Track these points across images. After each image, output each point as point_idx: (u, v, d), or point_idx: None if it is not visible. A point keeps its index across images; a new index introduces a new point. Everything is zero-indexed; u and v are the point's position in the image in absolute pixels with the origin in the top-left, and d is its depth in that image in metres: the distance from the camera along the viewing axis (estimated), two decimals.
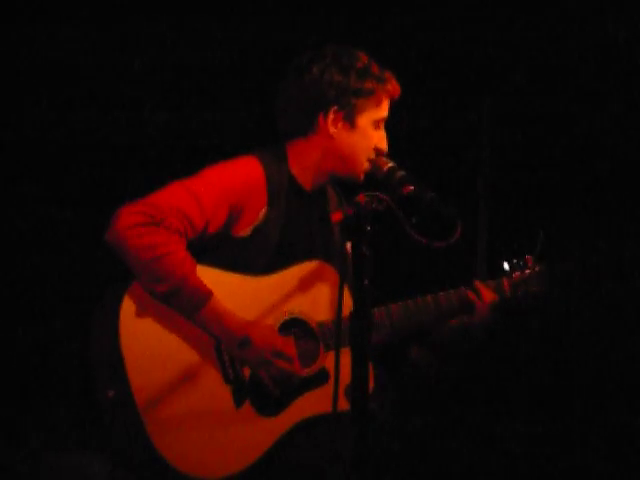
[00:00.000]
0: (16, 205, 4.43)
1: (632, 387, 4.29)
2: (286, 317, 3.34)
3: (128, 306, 3.22)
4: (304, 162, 3.47)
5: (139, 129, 4.51)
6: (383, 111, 3.47)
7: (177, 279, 3.20)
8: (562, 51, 4.56)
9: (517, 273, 3.54)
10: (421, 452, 3.66)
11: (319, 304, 3.38)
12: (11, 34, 4.31)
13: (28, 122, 4.42)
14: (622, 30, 4.47)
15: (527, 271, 3.54)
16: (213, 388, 3.25)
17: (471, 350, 4.05)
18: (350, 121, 3.43)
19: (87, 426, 3.80)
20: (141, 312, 3.23)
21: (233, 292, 3.30)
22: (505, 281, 3.53)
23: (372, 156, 3.44)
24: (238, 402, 3.27)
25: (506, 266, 3.55)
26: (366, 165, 3.44)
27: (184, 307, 3.23)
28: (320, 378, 3.34)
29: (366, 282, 2.82)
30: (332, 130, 3.43)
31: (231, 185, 3.35)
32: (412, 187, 3.28)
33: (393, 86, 3.48)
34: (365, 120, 3.44)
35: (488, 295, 3.48)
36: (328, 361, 3.33)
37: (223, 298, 3.26)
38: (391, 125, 3.50)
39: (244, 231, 3.37)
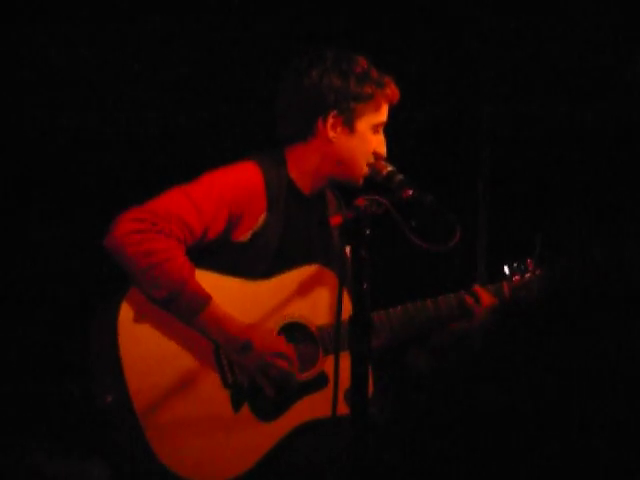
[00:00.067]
0: (16, 209, 4.43)
1: (632, 388, 4.28)
2: (285, 321, 3.34)
3: (126, 311, 3.22)
4: (303, 166, 3.47)
5: (138, 135, 4.50)
6: (382, 116, 3.48)
7: (176, 285, 3.20)
8: (562, 52, 4.56)
9: (517, 277, 3.53)
10: (420, 455, 3.65)
11: (318, 308, 3.37)
12: (11, 34, 4.31)
13: (27, 124, 4.41)
14: (622, 31, 4.47)
15: (527, 275, 3.53)
16: (212, 392, 3.24)
17: (471, 353, 4.05)
18: (349, 125, 3.43)
19: (86, 431, 3.78)
20: (139, 317, 3.23)
21: (232, 296, 3.30)
22: (505, 285, 3.52)
23: (371, 160, 3.43)
24: (237, 406, 3.26)
25: (506, 270, 3.54)
26: (365, 169, 3.43)
27: (183, 312, 3.23)
28: (319, 382, 3.34)
29: (365, 286, 2.81)
30: (331, 134, 3.43)
31: (230, 191, 3.35)
32: (411, 191, 3.28)
33: (392, 91, 3.48)
34: (364, 125, 3.44)
35: (487, 299, 3.48)
36: (327, 365, 3.33)
37: (222, 302, 3.26)
38: (390, 128, 3.50)
39: (243, 236, 3.37)
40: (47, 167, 4.43)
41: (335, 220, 3.51)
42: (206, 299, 3.23)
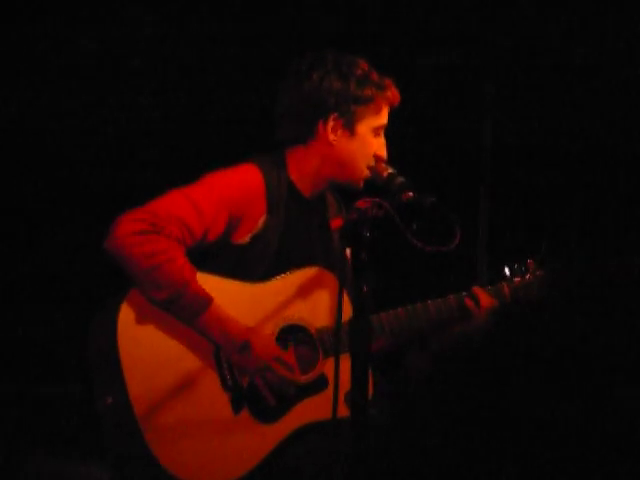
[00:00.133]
0: (16, 208, 4.43)
1: (633, 388, 4.28)
2: (285, 323, 3.34)
3: (126, 313, 3.22)
4: (303, 169, 3.47)
5: (139, 136, 4.51)
6: (383, 118, 3.47)
7: (177, 286, 3.20)
8: (563, 52, 4.56)
9: (518, 278, 3.53)
10: (420, 457, 3.64)
11: (318, 310, 3.37)
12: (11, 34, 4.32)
13: (27, 124, 4.42)
14: (624, 30, 4.47)
15: (528, 276, 3.53)
16: (211, 395, 3.24)
17: (470, 354, 4.05)
18: (350, 128, 3.43)
19: (87, 433, 3.79)
20: (139, 319, 3.22)
21: (232, 299, 3.30)
22: (506, 286, 3.51)
23: (372, 163, 3.43)
24: (236, 409, 3.26)
25: (507, 271, 3.54)
26: (366, 172, 3.43)
27: (184, 313, 3.22)
28: (319, 384, 3.33)
29: (365, 288, 2.81)
30: (331, 137, 3.43)
31: (230, 193, 3.35)
32: (412, 193, 3.27)
33: (393, 93, 3.48)
34: (365, 127, 3.44)
35: (486, 300, 3.47)
36: (327, 367, 3.33)
37: (223, 305, 3.26)
38: (391, 131, 3.50)
39: (243, 239, 3.37)
40: (47, 168, 4.44)
41: (335, 223, 3.55)
42: (207, 300, 3.23)
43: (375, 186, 3.41)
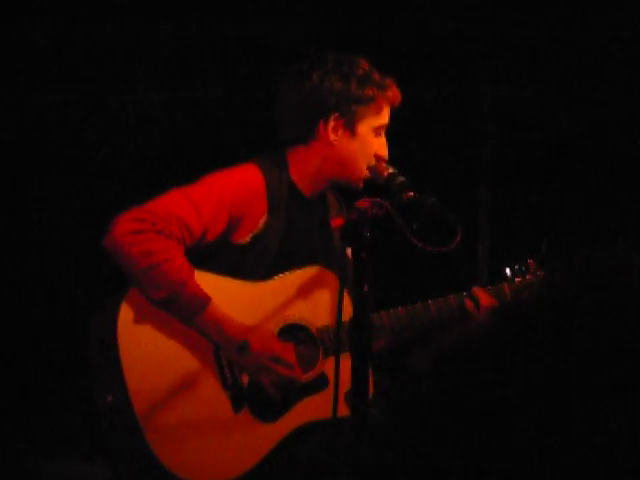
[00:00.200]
0: (17, 208, 4.43)
1: (633, 389, 4.27)
2: (285, 322, 3.34)
3: (126, 312, 3.22)
4: (304, 169, 3.47)
5: (139, 135, 4.51)
6: (384, 118, 3.47)
7: (175, 285, 3.20)
8: (565, 53, 4.56)
9: (519, 278, 3.53)
10: (421, 456, 3.64)
11: (319, 309, 3.37)
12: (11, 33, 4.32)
13: (28, 124, 4.42)
14: (625, 29, 4.47)
15: (529, 276, 3.52)
16: (211, 394, 3.24)
17: (471, 355, 4.04)
18: (350, 128, 3.43)
19: (87, 433, 3.78)
20: (139, 318, 3.22)
21: (232, 297, 3.30)
22: (506, 286, 3.51)
23: (372, 163, 3.43)
24: (236, 407, 3.26)
25: (507, 271, 3.54)
26: (365, 172, 3.43)
27: (182, 313, 3.22)
28: (319, 384, 3.33)
29: (366, 288, 2.81)
30: (332, 137, 3.42)
31: (231, 193, 3.35)
32: (412, 193, 3.26)
33: (394, 93, 3.47)
34: (365, 127, 3.44)
35: (487, 301, 3.47)
36: (327, 367, 3.33)
37: (222, 303, 3.26)
38: (392, 131, 3.50)
39: (244, 238, 3.37)
40: (47, 167, 4.44)
41: (336, 222, 3.54)
42: (205, 300, 3.23)
43: (376, 186, 3.40)
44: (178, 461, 3.17)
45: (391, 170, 3.39)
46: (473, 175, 4.69)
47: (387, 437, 3.39)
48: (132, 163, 4.50)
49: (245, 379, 3.28)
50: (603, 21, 4.49)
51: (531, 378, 4.33)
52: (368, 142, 3.44)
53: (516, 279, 3.52)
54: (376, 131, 3.46)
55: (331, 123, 3.41)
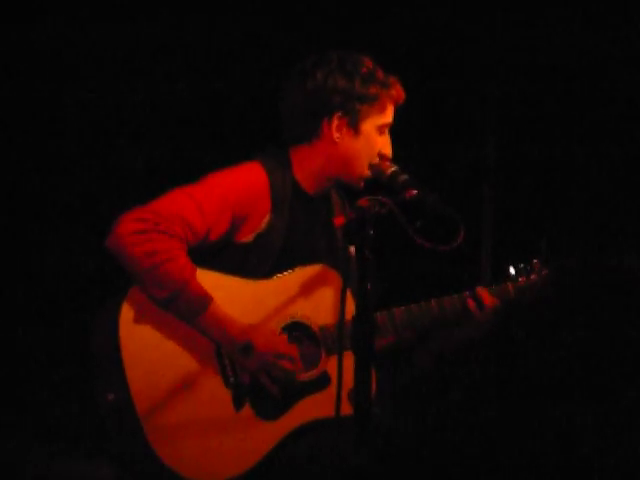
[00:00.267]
0: (18, 207, 4.44)
1: (633, 389, 4.27)
2: (288, 321, 3.33)
3: (127, 311, 3.22)
4: (308, 167, 3.46)
5: (142, 134, 4.51)
6: (387, 117, 3.46)
7: (178, 285, 3.19)
8: (569, 52, 4.55)
9: (523, 277, 3.51)
10: (423, 455, 3.63)
11: (322, 308, 3.37)
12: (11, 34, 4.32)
13: (29, 123, 4.42)
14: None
15: (533, 275, 3.51)
16: (213, 392, 3.24)
17: (473, 354, 4.04)
18: (354, 127, 3.42)
19: (89, 432, 3.79)
20: (140, 317, 3.22)
21: (235, 296, 3.29)
22: (510, 285, 3.50)
23: (375, 161, 3.42)
24: (238, 406, 3.25)
25: (512, 270, 3.53)
26: (366, 172, 3.42)
27: (184, 312, 3.22)
28: (321, 382, 3.33)
29: (369, 286, 2.80)
30: (336, 136, 3.42)
31: (234, 192, 3.34)
32: (415, 191, 3.26)
33: (398, 91, 3.46)
34: (369, 126, 3.43)
35: (489, 300, 3.45)
36: (329, 365, 3.33)
37: (225, 302, 3.25)
38: (395, 128, 3.49)
39: (247, 237, 3.37)
40: (50, 167, 4.44)
41: (339, 220, 3.53)
42: (207, 300, 3.23)
43: (379, 184, 3.40)
44: (180, 460, 3.17)
45: (394, 168, 3.39)
46: (477, 173, 4.68)
47: (390, 435, 3.39)
48: (135, 162, 4.50)
49: (247, 377, 3.27)
50: (606, 23, 4.49)
51: (532, 378, 4.33)
52: (372, 140, 3.44)
53: (520, 278, 3.51)
54: (380, 129, 3.45)
55: (335, 121, 3.41)
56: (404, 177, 3.33)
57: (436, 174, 4.46)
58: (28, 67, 4.36)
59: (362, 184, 3.45)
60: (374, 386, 3.15)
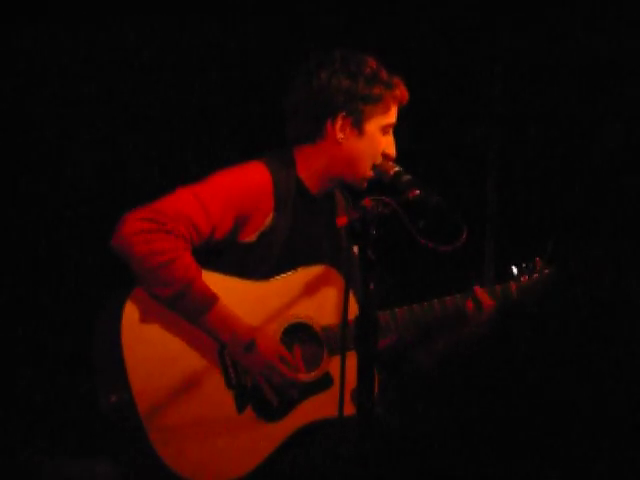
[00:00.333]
0: (21, 207, 4.44)
1: (634, 388, 4.27)
2: (291, 321, 3.33)
3: (130, 311, 3.21)
4: (312, 167, 3.46)
5: (146, 133, 4.51)
6: (391, 117, 3.46)
7: (183, 284, 3.20)
8: (571, 51, 4.55)
9: (525, 277, 3.52)
10: (425, 455, 3.64)
11: (324, 308, 3.36)
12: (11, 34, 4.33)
13: (32, 122, 4.43)
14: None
15: (535, 275, 3.52)
16: (215, 393, 3.24)
17: (474, 354, 4.04)
18: (358, 127, 3.42)
19: (92, 432, 3.79)
20: (143, 317, 3.22)
21: (238, 297, 3.29)
22: (513, 285, 3.51)
23: (379, 161, 3.43)
24: (240, 407, 3.25)
25: (514, 270, 3.53)
26: (369, 173, 3.43)
27: (189, 311, 3.22)
28: (324, 383, 3.32)
29: (372, 286, 2.81)
30: (340, 136, 3.42)
31: (238, 191, 3.35)
32: (418, 191, 3.26)
33: (401, 92, 3.46)
34: (373, 126, 3.43)
35: (488, 302, 3.46)
36: (332, 365, 3.32)
37: (228, 303, 3.25)
38: (399, 129, 3.50)
39: (250, 237, 3.37)
40: (54, 166, 4.45)
41: (342, 220, 3.53)
42: (213, 298, 3.23)
43: (382, 184, 3.40)
44: (181, 461, 3.16)
45: (397, 168, 3.39)
46: (480, 173, 4.68)
47: (393, 435, 3.39)
48: (139, 162, 4.51)
49: (249, 379, 3.27)
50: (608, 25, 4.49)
51: (532, 378, 4.33)
52: (376, 141, 3.44)
53: (522, 278, 3.51)
54: (384, 130, 3.45)
55: (339, 122, 3.41)
56: (407, 177, 3.34)
57: (439, 174, 4.46)
58: (28, 67, 4.37)
59: (365, 184, 3.45)
60: (376, 386, 3.15)
